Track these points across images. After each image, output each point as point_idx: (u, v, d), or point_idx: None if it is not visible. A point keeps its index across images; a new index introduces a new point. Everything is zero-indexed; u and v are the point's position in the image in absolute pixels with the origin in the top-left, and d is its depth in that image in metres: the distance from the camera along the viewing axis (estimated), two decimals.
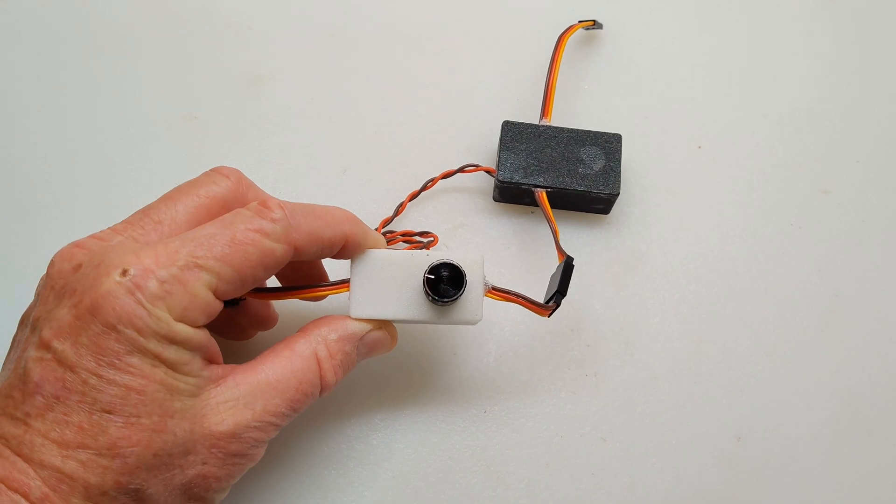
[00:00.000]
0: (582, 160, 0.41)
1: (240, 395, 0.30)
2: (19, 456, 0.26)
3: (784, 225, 0.44)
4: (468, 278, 0.33)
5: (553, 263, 0.38)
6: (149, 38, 0.48)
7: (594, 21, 0.47)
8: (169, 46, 0.48)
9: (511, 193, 0.42)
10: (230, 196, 0.32)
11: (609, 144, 0.42)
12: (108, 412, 0.27)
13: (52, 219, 0.43)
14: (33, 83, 0.47)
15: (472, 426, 0.39)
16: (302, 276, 0.37)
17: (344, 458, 0.39)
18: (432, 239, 0.41)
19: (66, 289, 0.28)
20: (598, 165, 0.41)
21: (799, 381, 0.41)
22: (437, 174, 0.42)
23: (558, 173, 0.41)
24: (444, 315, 0.34)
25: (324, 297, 0.35)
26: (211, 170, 0.33)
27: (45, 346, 0.27)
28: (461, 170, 0.42)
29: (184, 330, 0.28)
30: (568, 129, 0.42)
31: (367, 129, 0.46)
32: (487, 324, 0.40)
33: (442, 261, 0.33)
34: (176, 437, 0.28)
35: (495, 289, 0.35)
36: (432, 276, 0.33)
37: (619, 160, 0.42)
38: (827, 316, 0.42)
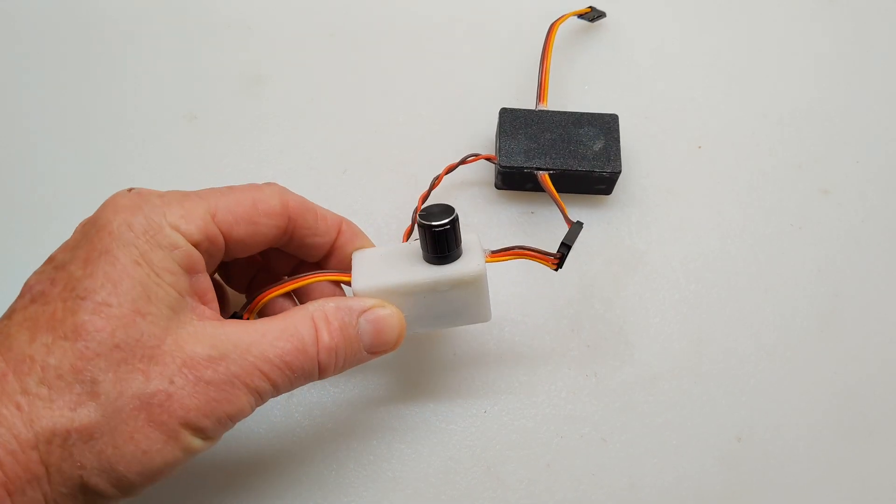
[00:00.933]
0: (581, 141, 0.41)
1: (226, 334, 0.29)
2: None
3: (784, 225, 0.44)
4: (465, 246, 0.33)
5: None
6: (149, 39, 0.48)
7: (591, 8, 0.47)
8: (169, 46, 0.48)
9: (513, 179, 0.42)
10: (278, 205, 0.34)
11: (607, 124, 0.42)
12: (82, 298, 0.28)
13: (52, 219, 0.43)
14: (33, 83, 0.47)
15: (472, 426, 0.39)
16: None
17: (344, 458, 0.39)
18: None
19: (84, 222, 0.31)
20: (598, 145, 0.41)
21: (799, 382, 0.41)
22: (438, 172, 0.42)
23: (559, 155, 0.41)
24: (446, 273, 0.33)
25: (328, 281, 0.35)
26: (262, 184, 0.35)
27: (50, 260, 0.30)
28: (463, 161, 0.42)
29: (173, 235, 0.29)
30: (565, 112, 0.42)
31: (367, 129, 0.46)
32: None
33: (435, 202, 0.33)
34: (142, 338, 0.28)
35: (494, 252, 0.34)
36: (425, 215, 0.32)
37: (617, 139, 0.42)
38: (827, 316, 0.42)
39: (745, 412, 0.40)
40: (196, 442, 0.29)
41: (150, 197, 0.30)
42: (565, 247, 0.34)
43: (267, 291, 0.34)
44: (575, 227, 0.35)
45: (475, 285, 0.33)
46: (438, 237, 0.32)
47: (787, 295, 0.42)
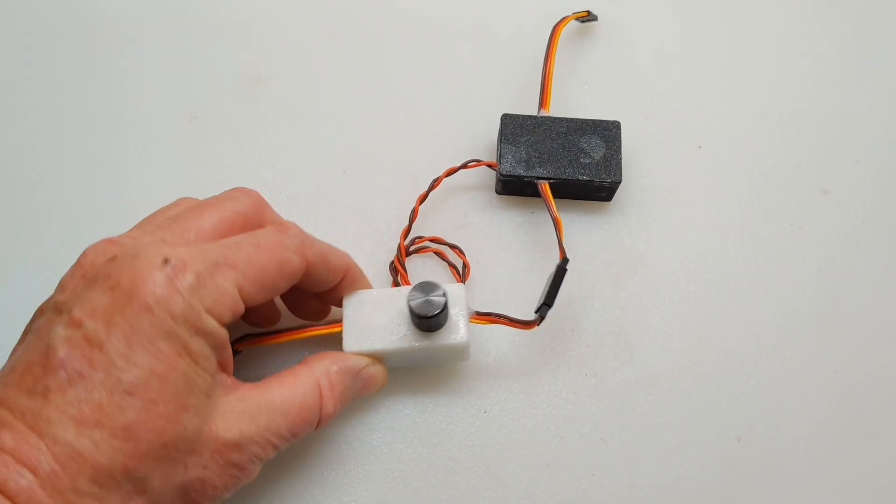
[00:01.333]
0: (583, 149, 0.41)
1: (246, 409, 0.31)
2: (32, 430, 0.26)
3: (784, 225, 0.44)
4: (451, 305, 0.35)
5: (554, 262, 0.38)
6: (149, 39, 0.48)
7: (588, 12, 0.47)
8: (169, 46, 0.48)
9: (514, 186, 0.42)
10: (250, 213, 0.34)
11: (608, 132, 0.42)
12: (129, 394, 0.27)
13: (52, 219, 0.43)
14: (33, 83, 0.47)
15: (472, 426, 0.39)
16: (303, 311, 0.39)
17: (344, 458, 0.39)
18: (465, 265, 0.42)
19: (99, 276, 0.29)
20: (599, 154, 0.41)
21: (799, 382, 0.41)
22: (438, 174, 0.42)
23: (560, 163, 0.41)
24: (433, 340, 0.35)
25: (317, 336, 0.37)
26: (232, 189, 0.35)
27: (76, 325, 0.28)
28: (464, 166, 0.42)
29: (211, 322, 0.29)
30: (567, 119, 0.42)
31: (367, 129, 0.46)
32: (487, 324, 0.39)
33: (424, 280, 0.35)
34: (186, 432, 0.28)
35: (479, 313, 0.37)
36: (415, 293, 0.34)
37: (619, 147, 0.42)
38: (827, 316, 0.42)
39: (745, 412, 0.40)
40: None
41: (185, 274, 0.28)
42: (545, 307, 0.36)
43: (261, 339, 0.36)
44: (558, 275, 0.37)
45: (460, 349, 0.36)
46: (429, 322, 0.35)
47: (787, 295, 0.42)
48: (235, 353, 0.36)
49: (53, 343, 0.27)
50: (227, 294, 0.30)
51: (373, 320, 0.36)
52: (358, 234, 0.43)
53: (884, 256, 0.43)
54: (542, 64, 0.44)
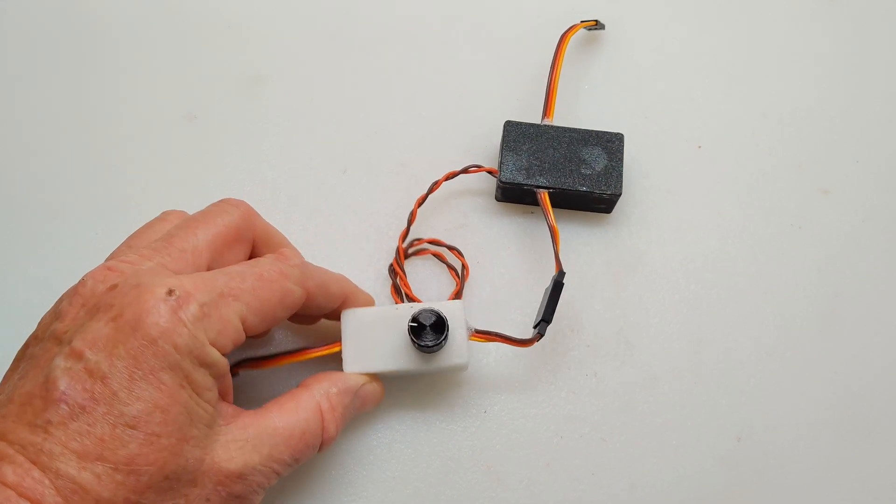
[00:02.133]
0: (584, 160, 0.41)
1: (248, 438, 0.31)
2: (35, 464, 0.26)
3: (784, 225, 0.44)
4: (450, 323, 0.35)
5: (553, 266, 0.38)
6: (148, 39, 0.48)
7: (596, 21, 0.47)
8: (168, 46, 0.48)
9: (513, 193, 0.42)
10: (241, 225, 0.34)
11: (611, 144, 0.42)
12: (132, 427, 0.27)
13: (52, 219, 0.43)
14: (32, 83, 0.47)
15: (472, 426, 0.39)
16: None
17: (344, 458, 0.39)
18: (463, 266, 0.42)
19: (100, 305, 0.29)
20: (600, 165, 0.41)
21: (799, 382, 0.41)
22: (438, 175, 0.42)
23: (560, 174, 0.41)
24: (433, 362, 0.36)
25: (315, 358, 0.37)
26: (220, 201, 0.35)
27: (76, 356, 0.27)
28: (464, 170, 0.42)
29: (214, 354, 0.29)
30: (570, 129, 0.42)
31: (367, 129, 0.46)
32: (487, 325, 0.39)
33: (424, 308, 0.35)
34: (187, 464, 0.28)
35: (478, 331, 0.37)
36: (416, 324, 0.35)
37: (621, 160, 0.42)
38: (827, 316, 0.42)
39: (745, 412, 0.40)
40: None
41: (189, 305, 0.28)
42: (544, 323, 0.36)
43: (259, 363, 0.37)
44: (555, 289, 0.37)
45: (461, 368, 0.37)
46: (430, 350, 0.35)
47: (787, 295, 0.42)
48: (233, 375, 0.36)
49: (53, 375, 0.27)
50: (230, 325, 0.30)
51: (372, 341, 0.36)
52: (358, 234, 0.43)
53: (884, 256, 0.43)
54: (549, 72, 0.43)
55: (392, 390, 0.40)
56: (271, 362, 0.36)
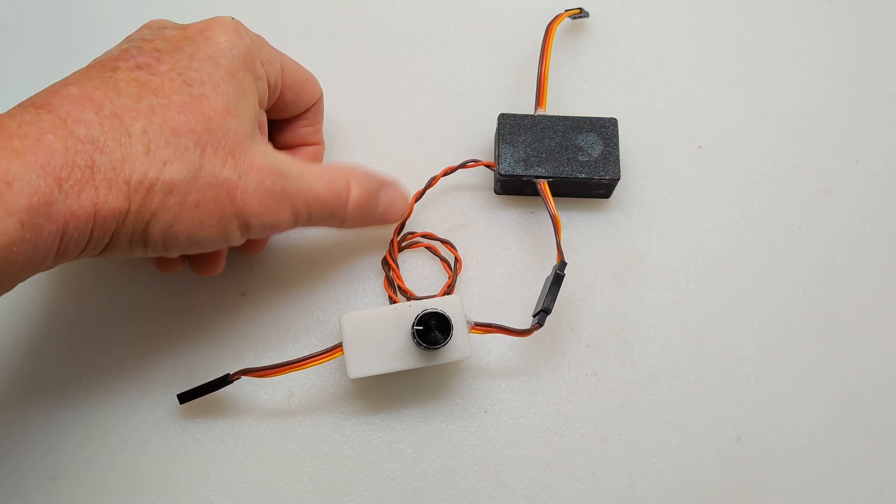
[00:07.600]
0: (580, 147, 0.41)
1: (283, 160, 0.34)
2: (97, 90, 0.30)
3: (784, 225, 0.44)
4: (453, 321, 0.35)
5: (553, 261, 0.38)
6: None
7: (580, 9, 0.47)
8: None
9: (512, 185, 0.42)
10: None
11: (605, 129, 0.42)
12: (188, 84, 0.31)
13: None
14: (31, 83, 0.47)
15: (472, 426, 0.40)
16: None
17: (344, 458, 0.39)
18: (457, 259, 0.42)
19: (167, 24, 0.35)
20: (597, 151, 0.41)
21: (799, 381, 0.41)
22: (436, 172, 0.42)
23: (558, 162, 0.41)
24: (436, 358, 0.36)
25: (318, 365, 0.37)
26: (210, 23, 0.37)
27: (149, 42, 0.32)
28: (462, 165, 0.42)
29: (260, 68, 0.34)
30: (563, 117, 0.42)
31: (367, 128, 0.46)
32: (488, 319, 0.39)
33: (428, 311, 0.35)
34: (229, 132, 0.31)
35: (477, 324, 0.37)
36: (421, 327, 0.35)
37: (616, 144, 0.42)
38: (827, 316, 0.42)
39: (745, 412, 0.40)
40: (236, 234, 0.33)
41: (247, 30, 0.34)
42: (544, 313, 0.37)
43: (260, 371, 0.37)
44: (556, 281, 0.37)
45: (460, 362, 0.37)
46: (435, 347, 0.35)
47: (787, 295, 0.42)
48: (232, 381, 0.37)
49: (127, 47, 0.32)
50: (274, 60, 0.35)
51: (373, 343, 0.36)
52: (357, 231, 0.43)
53: (884, 256, 0.43)
54: (538, 62, 0.43)
55: (392, 390, 0.40)
56: (272, 372, 0.36)
